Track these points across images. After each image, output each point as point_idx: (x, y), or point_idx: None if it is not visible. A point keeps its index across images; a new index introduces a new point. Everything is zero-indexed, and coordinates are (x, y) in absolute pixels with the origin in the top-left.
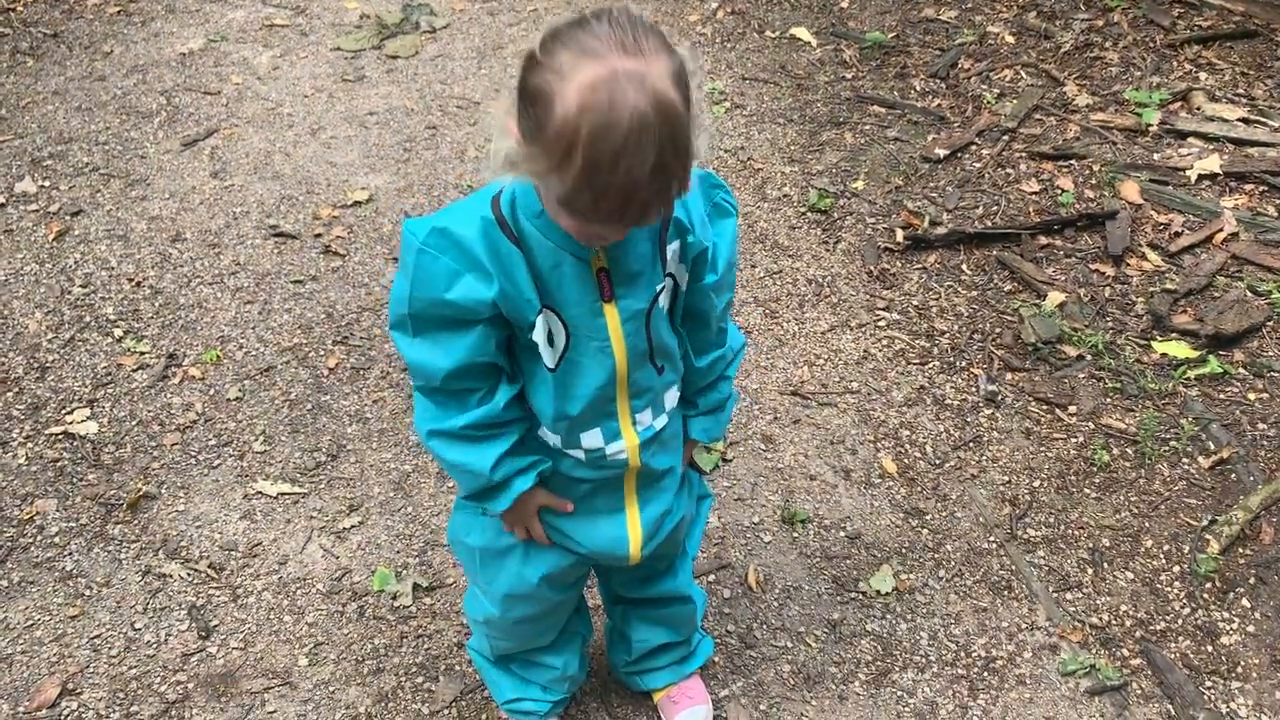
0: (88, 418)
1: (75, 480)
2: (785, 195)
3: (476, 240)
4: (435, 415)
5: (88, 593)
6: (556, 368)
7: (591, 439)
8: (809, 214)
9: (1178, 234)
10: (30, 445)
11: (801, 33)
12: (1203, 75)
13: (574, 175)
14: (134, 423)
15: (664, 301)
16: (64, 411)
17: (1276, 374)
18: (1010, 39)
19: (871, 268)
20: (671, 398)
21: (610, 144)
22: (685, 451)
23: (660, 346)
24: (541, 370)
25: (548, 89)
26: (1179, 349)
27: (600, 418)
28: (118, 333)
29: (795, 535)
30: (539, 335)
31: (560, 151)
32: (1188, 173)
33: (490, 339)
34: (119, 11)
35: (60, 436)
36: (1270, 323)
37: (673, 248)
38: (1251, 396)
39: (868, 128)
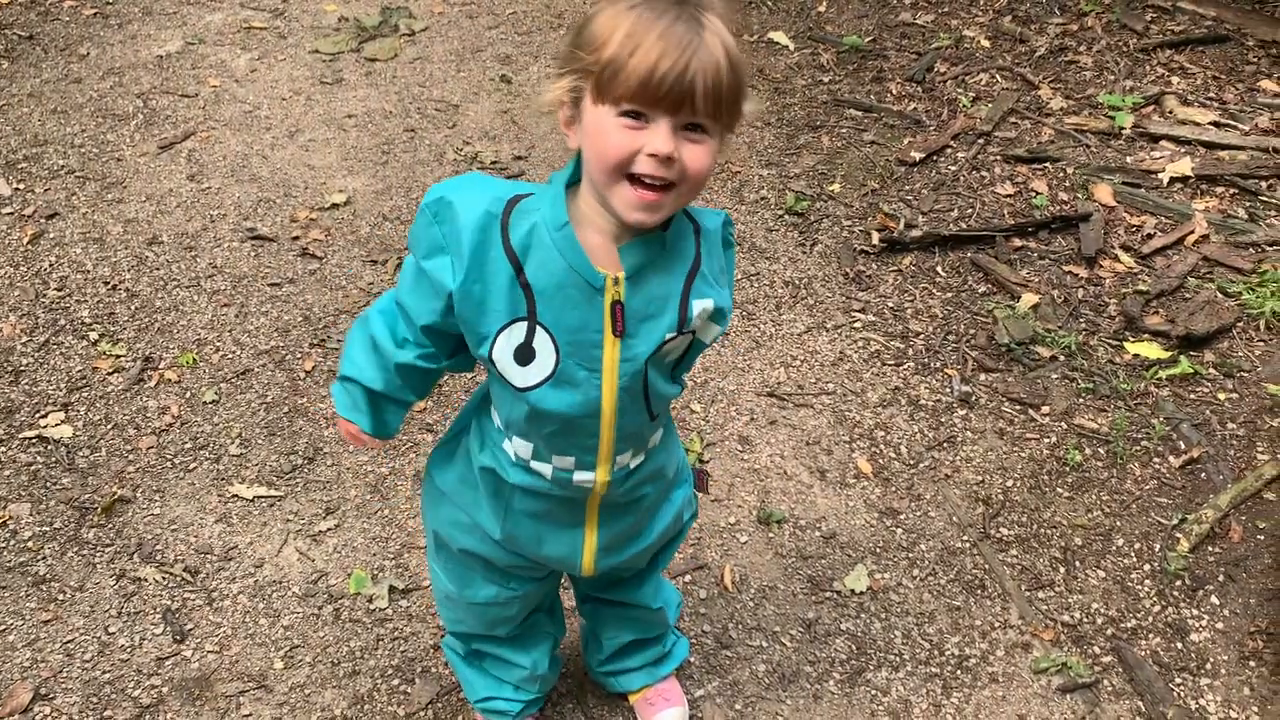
0: (62, 421)
1: (49, 484)
2: (762, 198)
3: (470, 230)
4: (376, 316)
5: (61, 597)
6: (533, 389)
7: (563, 462)
8: (786, 216)
9: (1150, 236)
10: (3, 449)
11: (779, 37)
12: (1175, 79)
13: (618, 39)
14: (109, 426)
15: (675, 352)
16: (38, 415)
17: (1246, 374)
18: (986, 43)
19: (847, 270)
20: (655, 438)
21: (654, 10)
22: None
23: (657, 394)
24: (514, 389)
25: (594, 13)
26: (1151, 350)
27: (576, 450)
28: (93, 336)
29: (771, 535)
30: (501, 352)
31: (601, 37)
32: (1160, 176)
33: (448, 323)
34: (95, 14)
35: (34, 440)
36: (1240, 324)
37: (704, 304)
38: (1221, 396)
39: (844, 131)
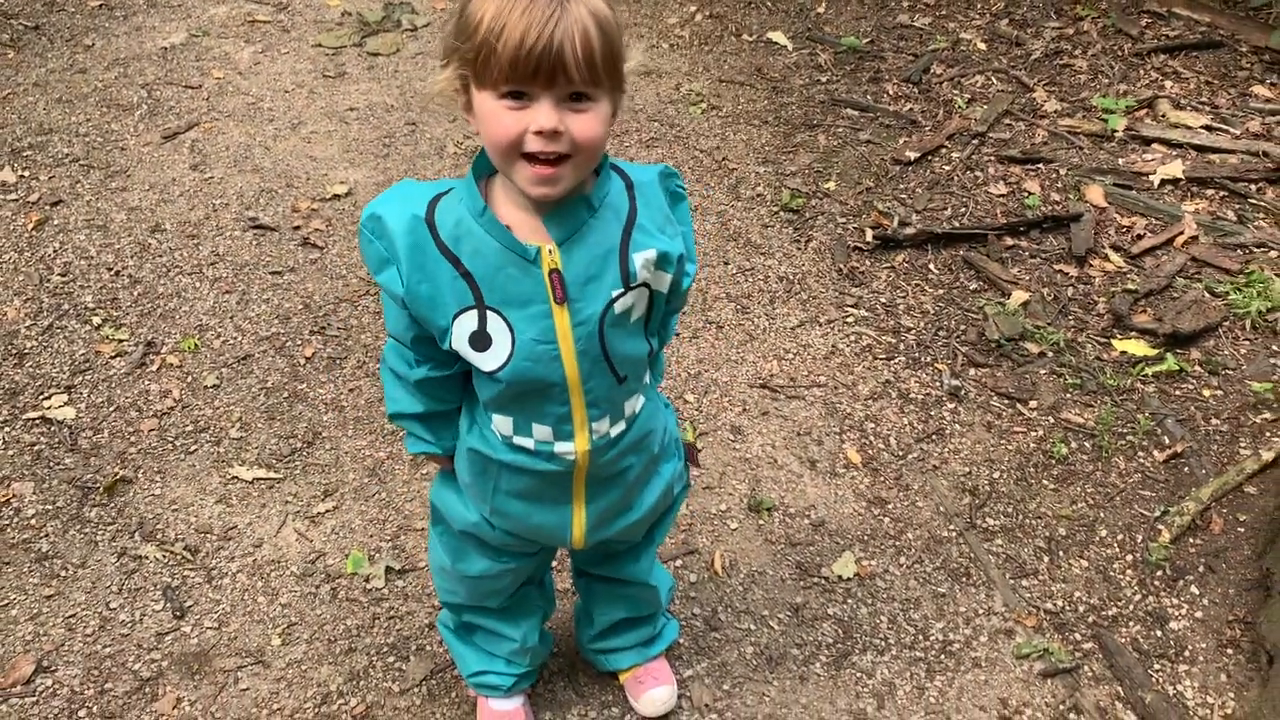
0: (65, 403)
1: (52, 464)
2: (759, 195)
3: (402, 236)
4: (388, 349)
5: (64, 573)
6: (500, 370)
7: (542, 432)
8: (781, 213)
9: (1140, 236)
10: (7, 430)
11: (778, 37)
12: (1168, 83)
13: (485, 24)
14: (112, 409)
15: (636, 309)
16: (42, 397)
17: (1230, 372)
18: (982, 45)
19: (841, 266)
20: (634, 405)
21: None
22: None
23: (621, 355)
24: (482, 373)
25: (464, 2)
26: (1138, 347)
27: (551, 420)
28: (96, 320)
29: (761, 523)
30: (459, 342)
31: (472, 22)
32: (1151, 178)
33: (415, 327)
34: (100, 5)
35: (38, 421)
36: (1226, 323)
37: (646, 254)
38: (1206, 393)
39: (841, 130)
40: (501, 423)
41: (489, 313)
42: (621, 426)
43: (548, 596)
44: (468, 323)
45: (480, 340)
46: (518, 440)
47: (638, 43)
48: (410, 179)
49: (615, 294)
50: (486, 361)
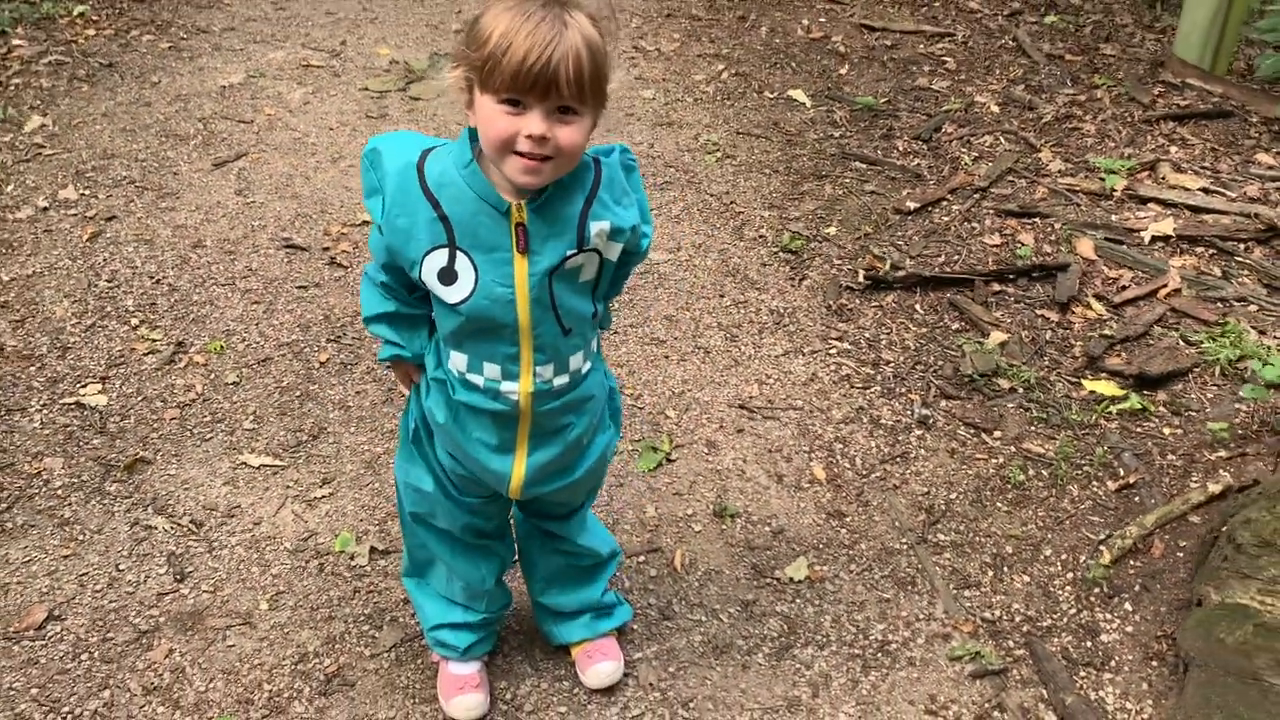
0: (99, 392)
1: (81, 443)
2: (761, 236)
3: (392, 175)
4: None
5: (81, 538)
6: (462, 304)
7: (491, 370)
8: (780, 253)
9: (1124, 287)
10: (45, 412)
11: (798, 94)
12: (1173, 149)
13: (494, 39)
14: (139, 399)
15: (586, 271)
16: (79, 385)
17: (1194, 413)
18: (995, 108)
19: (831, 303)
20: (577, 361)
21: (525, 12)
22: None
23: (568, 307)
24: (445, 304)
25: (480, 13)
26: (1106, 387)
27: (500, 358)
28: (134, 322)
29: (723, 527)
30: (427, 274)
31: (483, 35)
32: (1142, 234)
33: (387, 255)
34: (170, 47)
35: (73, 406)
36: (1196, 369)
37: (600, 225)
38: (1166, 431)
39: (847, 181)
40: (458, 359)
41: (459, 252)
42: (565, 379)
43: (507, 546)
44: (438, 259)
45: (447, 275)
46: (470, 377)
47: (629, 67)
48: (412, 130)
49: (569, 253)
50: (451, 295)
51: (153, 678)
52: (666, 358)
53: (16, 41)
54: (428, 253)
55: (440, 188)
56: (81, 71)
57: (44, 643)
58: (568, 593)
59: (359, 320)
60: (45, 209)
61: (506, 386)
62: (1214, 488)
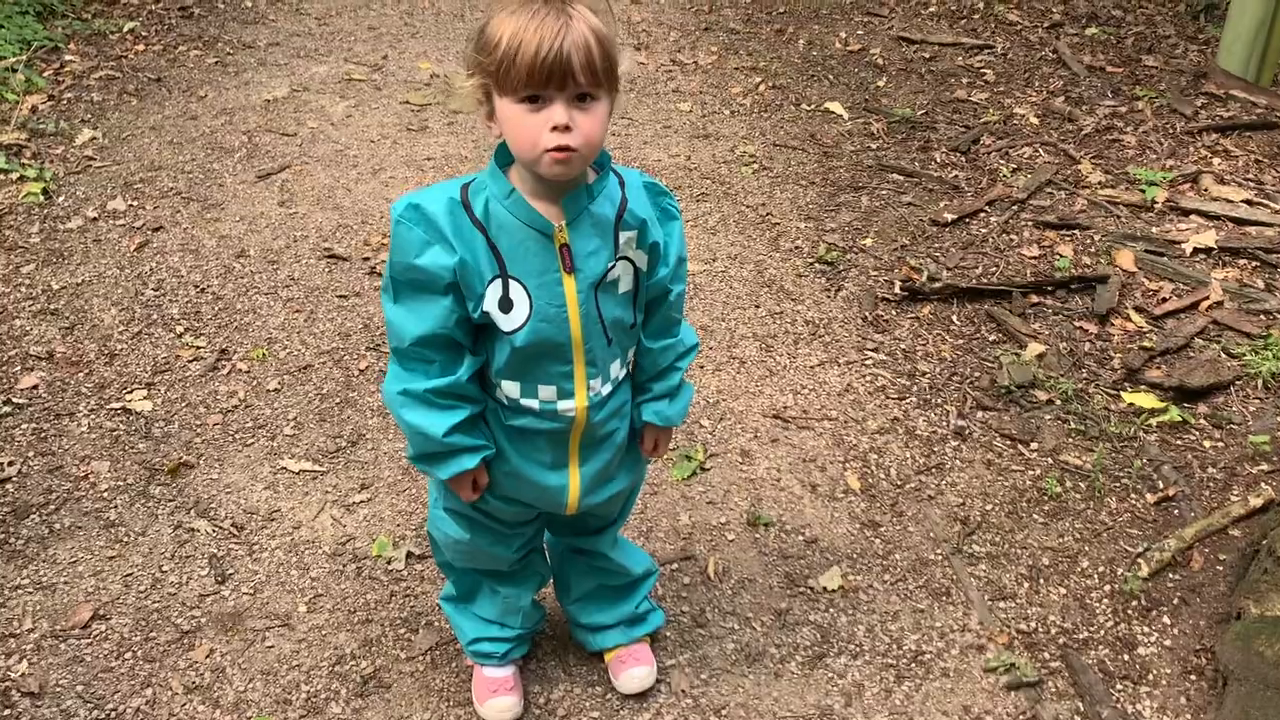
0: (145, 398)
1: (127, 448)
2: (797, 247)
3: (443, 216)
4: (404, 378)
5: (126, 539)
6: (518, 331)
7: (546, 393)
8: (816, 265)
9: (1164, 300)
10: (93, 417)
11: (835, 107)
12: (1216, 160)
13: (505, 40)
14: (183, 404)
15: (624, 282)
16: (125, 391)
17: (1235, 426)
18: (1034, 120)
19: (867, 314)
20: (616, 369)
21: (529, 11)
22: (646, 441)
23: (612, 319)
24: (503, 334)
25: (485, 21)
26: (1146, 400)
27: (556, 377)
28: (179, 329)
29: (757, 536)
30: (489, 304)
31: (494, 40)
32: (1183, 245)
33: (454, 314)
34: (216, 63)
35: (119, 411)
36: (1239, 381)
37: (628, 235)
38: (1207, 444)
39: (884, 193)
40: (510, 388)
41: (511, 280)
42: (609, 387)
43: (545, 563)
44: (496, 289)
45: (505, 304)
46: (525, 402)
47: (666, 80)
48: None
49: (609, 265)
50: (508, 323)
51: (194, 677)
52: (702, 367)
53: (69, 56)
54: (489, 283)
55: (487, 219)
56: (131, 86)
57: (89, 641)
58: (603, 610)
59: None
60: (94, 219)
61: (564, 405)
62: (1255, 501)
